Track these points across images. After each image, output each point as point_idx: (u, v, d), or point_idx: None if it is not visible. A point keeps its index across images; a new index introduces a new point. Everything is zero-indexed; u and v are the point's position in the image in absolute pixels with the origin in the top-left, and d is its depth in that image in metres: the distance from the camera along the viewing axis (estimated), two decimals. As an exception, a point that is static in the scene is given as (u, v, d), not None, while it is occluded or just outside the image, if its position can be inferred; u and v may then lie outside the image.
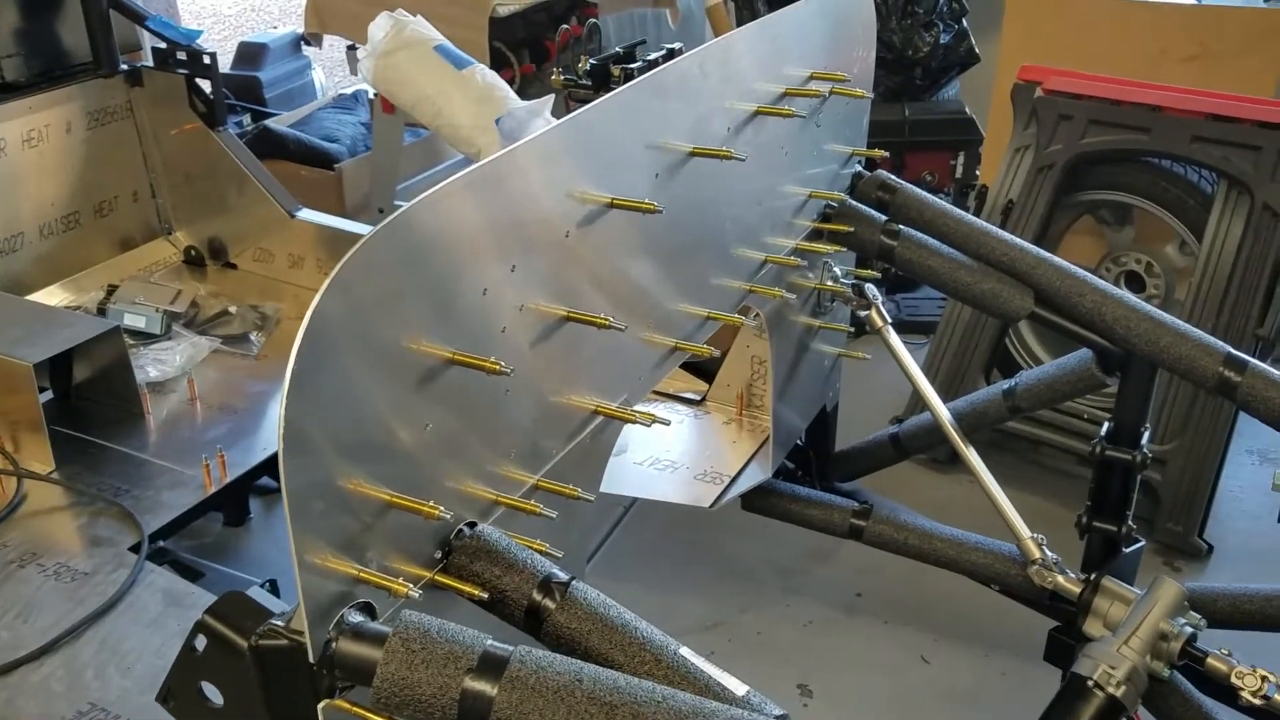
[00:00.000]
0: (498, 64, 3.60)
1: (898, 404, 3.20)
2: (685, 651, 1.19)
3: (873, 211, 2.23)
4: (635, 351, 1.68)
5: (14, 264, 2.78)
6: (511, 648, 1.09)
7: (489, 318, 1.32)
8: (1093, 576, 1.99)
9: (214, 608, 1.19)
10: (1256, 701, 1.74)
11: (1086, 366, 2.12)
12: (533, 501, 1.37)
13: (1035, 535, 2.07)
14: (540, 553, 1.29)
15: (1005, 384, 2.31)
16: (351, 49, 3.91)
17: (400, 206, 1.18)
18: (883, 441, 2.59)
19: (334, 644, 1.10)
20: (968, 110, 4.26)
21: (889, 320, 2.26)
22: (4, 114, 2.72)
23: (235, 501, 2.55)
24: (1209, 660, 1.78)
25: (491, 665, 1.07)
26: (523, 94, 3.00)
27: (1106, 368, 2.10)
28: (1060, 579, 2.03)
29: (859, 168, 2.33)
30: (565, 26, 3.89)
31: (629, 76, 2.65)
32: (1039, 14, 3.55)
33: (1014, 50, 3.49)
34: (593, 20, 4.00)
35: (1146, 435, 2.09)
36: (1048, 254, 2.11)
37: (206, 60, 2.91)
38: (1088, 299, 2.02)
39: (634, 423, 1.56)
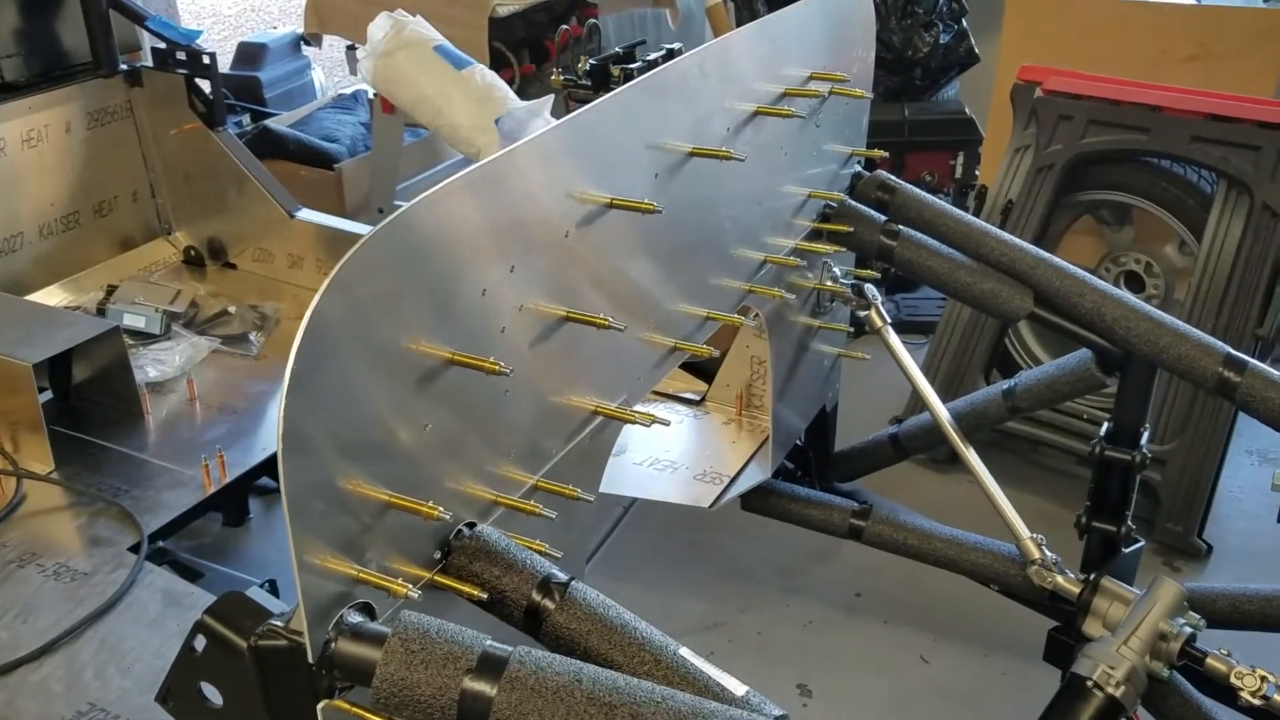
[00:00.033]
0: (497, 64, 3.60)
1: (897, 404, 3.20)
2: (685, 652, 1.20)
3: (872, 212, 2.23)
4: (635, 352, 1.68)
5: (14, 264, 2.78)
6: (511, 648, 1.09)
7: (488, 318, 1.32)
8: (1092, 577, 1.99)
9: (213, 608, 1.19)
10: (1256, 702, 1.74)
11: (1086, 367, 2.12)
12: (532, 502, 1.37)
13: (1035, 535, 2.07)
14: (540, 553, 1.29)
15: (1005, 384, 2.32)
16: (351, 49, 3.92)
17: (400, 207, 1.18)
18: (882, 442, 2.59)
19: (333, 644, 1.10)
20: (967, 110, 4.26)
21: (888, 320, 2.26)
22: (4, 114, 2.72)
23: (235, 502, 2.54)
24: (1208, 660, 1.78)
25: (491, 665, 1.07)
26: (522, 94, 3.00)
27: (1106, 368, 2.10)
28: (1060, 579, 2.03)
29: (858, 168, 2.33)
30: (565, 27, 3.89)
31: (629, 77, 2.65)
32: (1039, 14, 3.55)
33: (1014, 50, 3.49)
34: (592, 20, 4.00)
35: (1146, 435, 2.09)
36: (1047, 254, 2.11)
37: (206, 60, 2.91)
38: (1087, 299, 2.02)
39: (633, 423, 1.56)
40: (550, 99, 2.71)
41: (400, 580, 1.14)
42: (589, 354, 1.54)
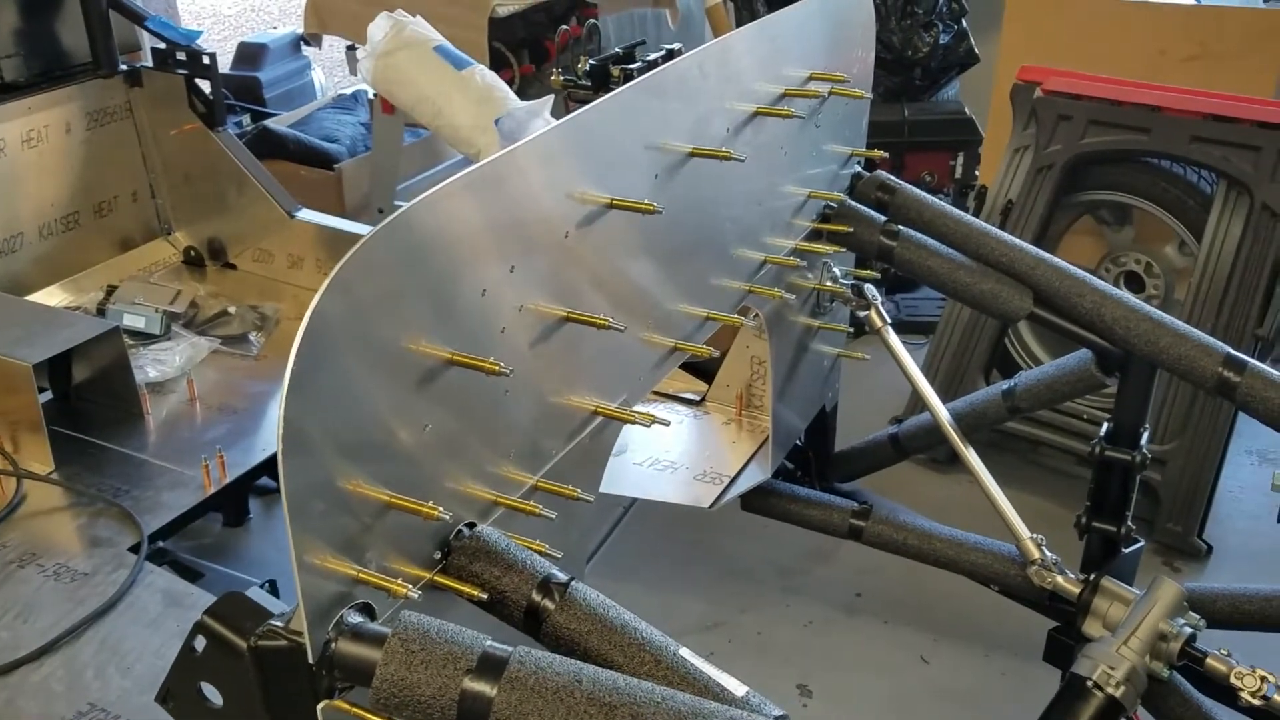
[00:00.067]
0: (497, 64, 3.60)
1: (897, 404, 3.20)
2: (685, 652, 1.20)
3: (872, 212, 2.23)
4: (635, 352, 1.68)
5: (13, 264, 2.78)
6: (511, 648, 1.09)
7: (488, 318, 1.32)
8: (1092, 577, 1.99)
9: (213, 608, 1.19)
10: (1256, 702, 1.74)
11: (1086, 367, 2.12)
12: (532, 502, 1.37)
13: (1035, 535, 2.07)
14: (539, 553, 1.29)
15: (1004, 384, 2.32)
16: (351, 49, 3.92)
17: (400, 207, 1.18)
18: (882, 442, 2.59)
19: (333, 644, 1.10)
20: (967, 110, 4.26)
21: (888, 320, 2.27)
22: (3, 114, 2.72)
23: (234, 502, 2.54)
24: (1208, 661, 1.78)
25: (491, 666, 1.07)
26: (522, 94, 3.00)
27: (1106, 368, 2.10)
28: (1060, 579, 2.03)
29: (858, 168, 2.33)
30: (565, 27, 3.89)
31: (628, 77, 2.65)
32: (1039, 14, 3.55)
33: (1014, 50, 3.49)
34: (592, 21, 4.00)
35: (1146, 435, 2.09)
36: (1047, 254, 2.11)
37: (206, 60, 2.91)
38: (1087, 299, 2.02)
39: (633, 423, 1.56)
40: (550, 99, 2.71)
41: (400, 580, 1.14)
42: (589, 354, 1.54)
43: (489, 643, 1.09)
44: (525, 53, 3.80)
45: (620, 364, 1.64)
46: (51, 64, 2.90)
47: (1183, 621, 1.81)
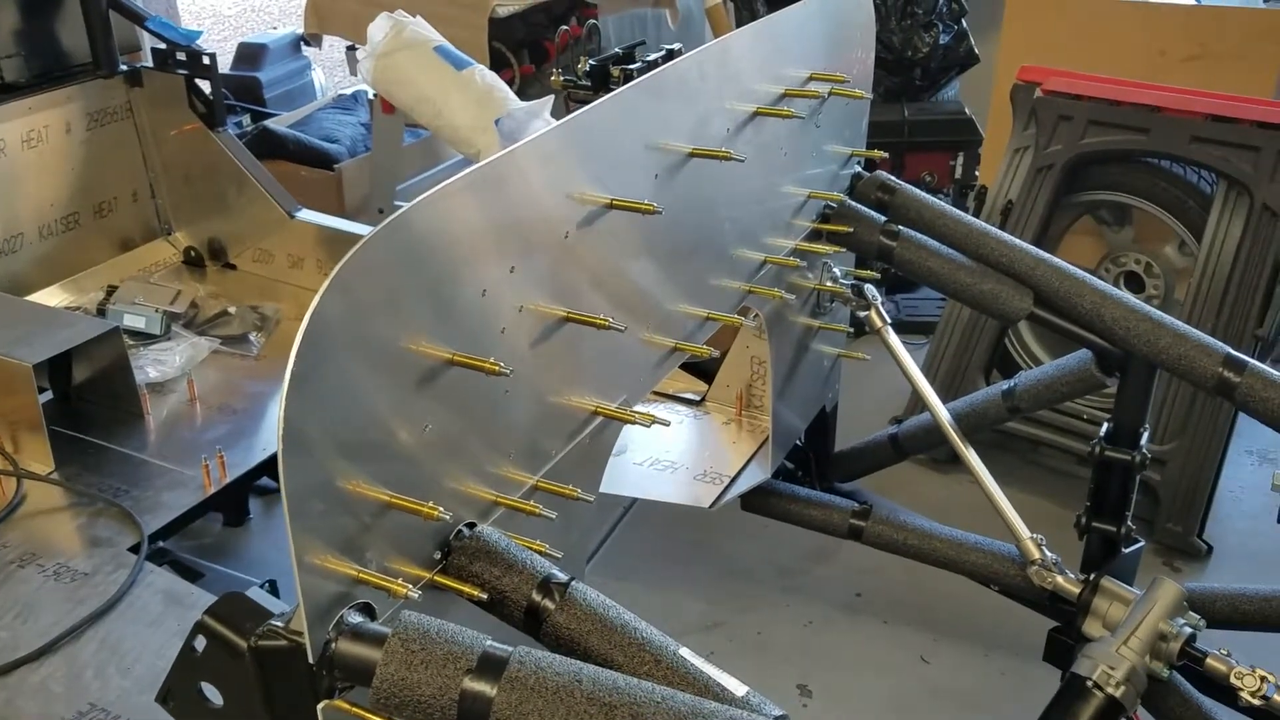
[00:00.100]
0: (497, 65, 3.60)
1: (897, 404, 3.20)
2: (685, 652, 1.20)
3: (872, 212, 2.23)
4: (635, 352, 1.68)
5: (13, 264, 2.78)
6: (511, 648, 1.09)
7: (489, 318, 1.32)
8: (1092, 577, 1.99)
9: (213, 608, 1.19)
10: (1256, 702, 1.74)
11: (1086, 367, 2.12)
12: (532, 502, 1.37)
13: (1035, 535, 2.07)
14: (540, 553, 1.29)
15: (1005, 384, 2.32)
16: (351, 49, 3.92)
17: (400, 207, 1.18)
18: (882, 442, 2.59)
19: (333, 644, 1.10)
20: (967, 111, 4.26)
21: (888, 320, 2.27)
22: (4, 115, 2.72)
23: (235, 502, 2.55)
24: (1208, 660, 1.79)
25: (491, 666, 1.07)
26: (522, 95, 3.00)
27: (1106, 368, 2.10)
28: (1060, 579, 2.03)
29: (858, 168, 2.34)
30: (565, 27, 3.89)
31: (628, 77, 2.65)
32: (1039, 14, 3.55)
33: (1013, 51, 3.49)
34: (592, 21, 4.00)
35: (1146, 435, 2.09)
36: (1047, 255, 2.11)
37: (206, 61, 2.91)
38: (1087, 299, 2.02)
39: (633, 423, 1.56)
40: (550, 99, 2.71)
41: (400, 580, 1.14)
42: (589, 354, 1.54)
43: (489, 642, 1.09)
44: (525, 53, 3.79)
45: (620, 364, 1.64)
46: (52, 64, 2.90)
47: (1183, 621, 1.81)
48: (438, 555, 1.27)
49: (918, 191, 2.24)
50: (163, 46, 2.97)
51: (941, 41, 4.40)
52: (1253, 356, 1.93)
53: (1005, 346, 3.13)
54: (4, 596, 1.81)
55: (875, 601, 2.67)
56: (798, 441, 2.58)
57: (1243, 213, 2.78)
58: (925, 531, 2.31)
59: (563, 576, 1.25)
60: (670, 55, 2.76)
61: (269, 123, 4.20)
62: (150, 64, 3.01)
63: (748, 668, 2.33)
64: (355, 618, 1.13)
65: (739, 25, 4.07)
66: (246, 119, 4.41)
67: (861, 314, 2.29)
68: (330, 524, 1.11)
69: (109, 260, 2.99)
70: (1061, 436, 2.97)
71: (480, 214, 1.29)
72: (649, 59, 2.78)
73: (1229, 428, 2.74)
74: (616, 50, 2.88)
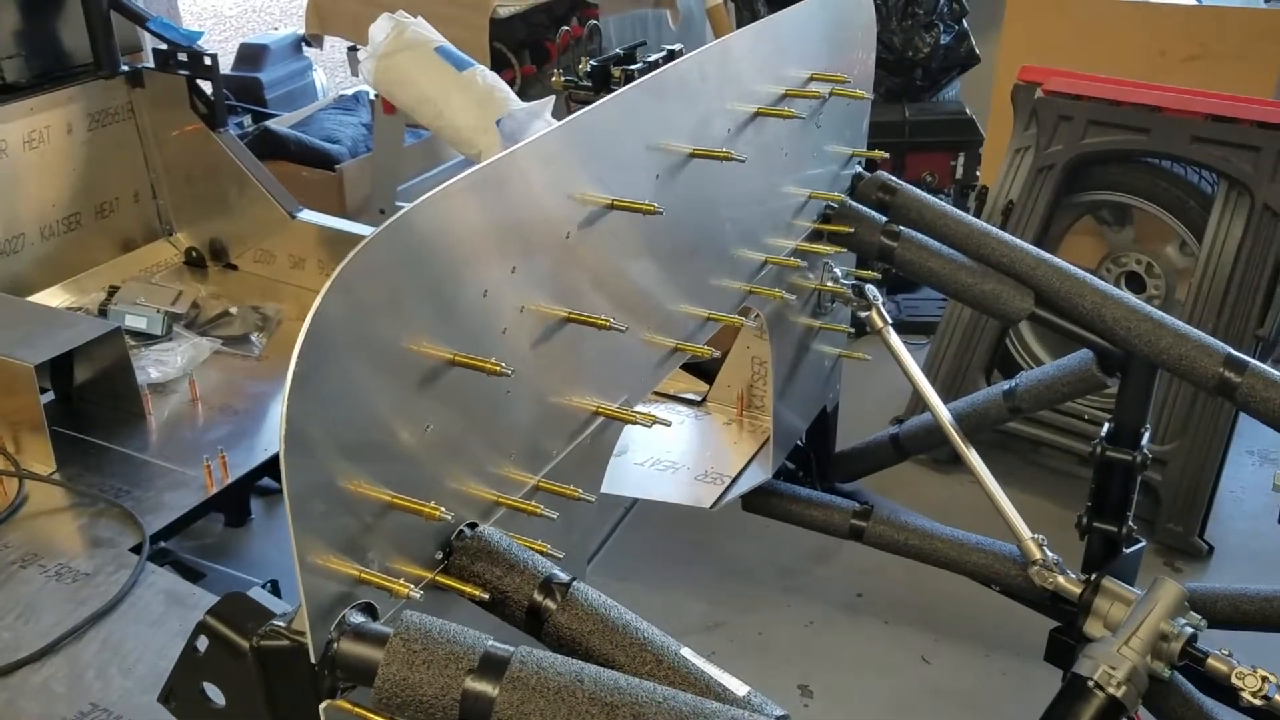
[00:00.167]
0: (498, 65, 3.60)
1: (898, 404, 3.20)
2: (686, 652, 1.20)
3: (873, 212, 2.23)
4: (636, 352, 1.68)
5: (15, 265, 2.78)
6: (512, 648, 1.09)
7: (490, 319, 1.32)
8: (1093, 577, 2.00)
9: (215, 608, 1.19)
10: (1257, 702, 1.74)
11: (1087, 367, 2.12)
12: (533, 502, 1.37)
13: (1036, 536, 2.07)
14: (541, 553, 1.29)
15: (1005, 384, 2.32)
16: (352, 50, 3.92)
17: (401, 208, 1.18)
18: (883, 442, 2.59)
19: (335, 644, 1.10)
20: (968, 111, 4.26)
21: (889, 321, 2.27)
22: (5, 115, 2.73)
23: (236, 502, 2.55)
24: (1209, 661, 1.79)
25: (492, 666, 1.07)
26: (523, 95, 3.00)
27: (1107, 368, 2.10)
28: (1061, 579, 2.04)
29: (859, 169, 2.34)
30: (566, 28, 3.89)
31: (629, 78, 2.65)
32: (1039, 14, 3.55)
33: (1014, 51, 3.49)
34: (593, 21, 4.00)
35: (1147, 436, 2.09)
36: (1048, 255, 2.11)
37: (207, 61, 2.91)
38: (1088, 300, 2.02)
39: (634, 423, 1.56)
40: (551, 100, 2.71)
41: (402, 580, 1.14)
42: (590, 355, 1.54)
43: (491, 643, 1.10)
44: (526, 53, 3.79)
45: (621, 364, 1.64)
46: (53, 65, 2.91)
47: (1184, 621, 1.81)
48: (439, 555, 1.27)
49: (919, 192, 2.24)
50: (164, 47, 2.97)
51: (942, 42, 4.40)
52: (1254, 357, 1.93)
53: (1006, 347, 3.13)
54: (6, 597, 1.81)
55: (876, 602, 2.67)
56: (799, 442, 2.58)
57: (1243, 213, 2.78)
58: (926, 532, 2.31)
59: (564, 577, 1.25)
60: (671, 56, 2.76)
61: (270, 123, 4.20)
62: (151, 64, 3.02)
63: (749, 668, 2.33)
64: (357, 618, 1.13)
65: (740, 26, 4.07)
66: (248, 119, 4.41)
67: (862, 314, 2.29)
68: (332, 524, 1.11)
69: (110, 261, 2.99)
70: (1062, 437, 2.97)
71: (481, 214, 1.29)
72: (650, 59, 2.78)
73: (1230, 428, 2.74)
74: (617, 51, 2.89)
